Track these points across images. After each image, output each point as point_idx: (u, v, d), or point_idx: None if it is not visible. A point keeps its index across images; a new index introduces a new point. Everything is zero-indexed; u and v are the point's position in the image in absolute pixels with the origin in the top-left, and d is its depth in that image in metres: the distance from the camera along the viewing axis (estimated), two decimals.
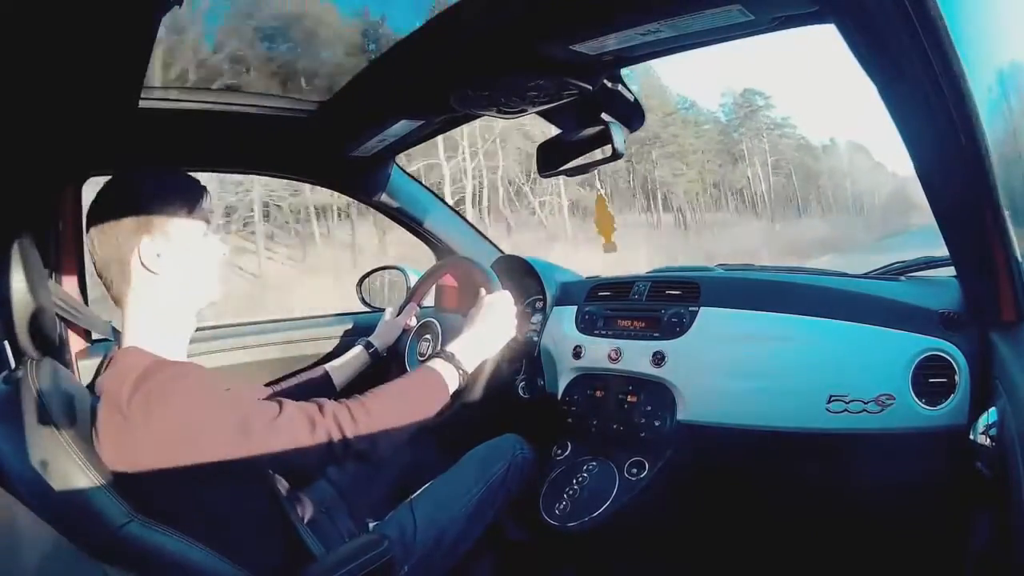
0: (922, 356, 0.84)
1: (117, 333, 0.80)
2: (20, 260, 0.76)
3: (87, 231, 0.74)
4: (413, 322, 1.32)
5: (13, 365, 0.78)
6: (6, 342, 0.79)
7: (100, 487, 0.62)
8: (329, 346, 1.48)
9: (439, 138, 1.20)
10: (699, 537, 1.11)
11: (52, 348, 0.81)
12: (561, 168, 1.08)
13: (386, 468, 1.12)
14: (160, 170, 0.78)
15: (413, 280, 1.46)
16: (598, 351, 1.17)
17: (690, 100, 39.65)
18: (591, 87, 0.88)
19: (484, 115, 1.02)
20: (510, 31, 0.76)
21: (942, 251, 0.82)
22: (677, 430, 1.04)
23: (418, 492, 0.98)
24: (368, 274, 1.59)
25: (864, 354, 0.89)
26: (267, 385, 1.12)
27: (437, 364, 0.88)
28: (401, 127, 1.14)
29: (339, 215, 17.93)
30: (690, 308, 1.08)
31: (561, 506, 1.07)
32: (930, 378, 0.83)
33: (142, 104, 0.88)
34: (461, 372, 0.89)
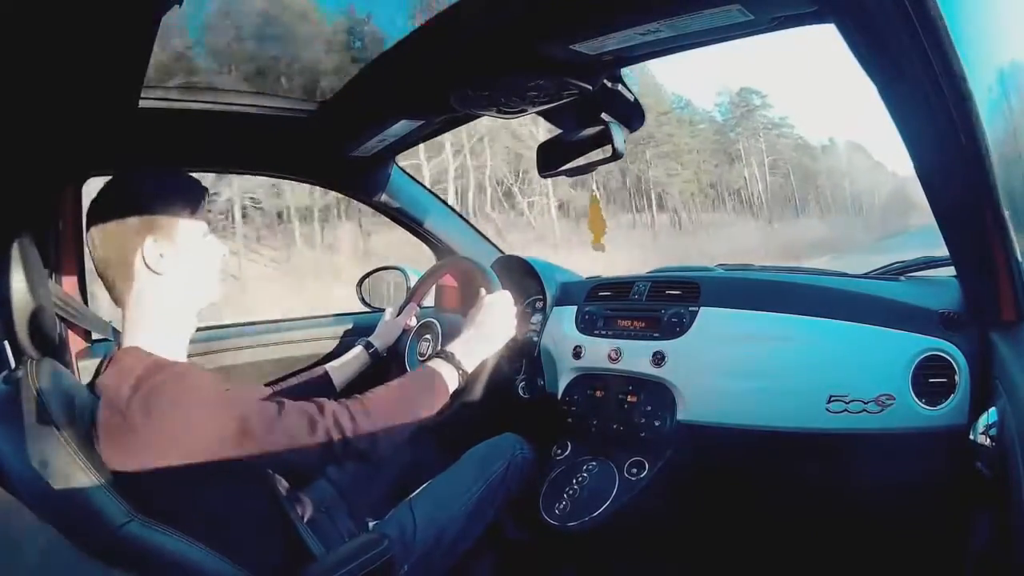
0: (922, 356, 0.84)
1: (117, 333, 0.80)
2: (20, 260, 0.76)
3: (87, 231, 0.74)
4: (413, 322, 1.32)
5: (13, 365, 0.78)
6: (6, 342, 0.79)
7: (100, 487, 0.62)
8: (329, 346, 1.48)
9: None
10: (699, 537, 1.11)
11: (52, 348, 0.81)
12: (561, 168, 1.08)
13: (386, 468, 1.12)
14: (161, 170, 0.78)
15: (413, 280, 1.46)
16: (598, 351, 1.17)
17: (685, 99, 39.33)
18: (591, 87, 0.88)
19: (484, 115, 1.02)
20: (510, 31, 0.76)
21: (942, 251, 0.82)
22: (677, 430, 1.04)
23: (417, 491, 0.98)
24: (368, 274, 1.59)
25: (864, 354, 0.89)
26: (267, 385, 1.12)
27: (437, 364, 0.88)
28: (401, 127, 1.14)
29: (320, 217, 17.59)
30: (690, 308, 1.08)
31: (561, 506, 1.07)
32: (930, 378, 0.83)
33: (142, 104, 0.88)
34: (461, 372, 0.89)
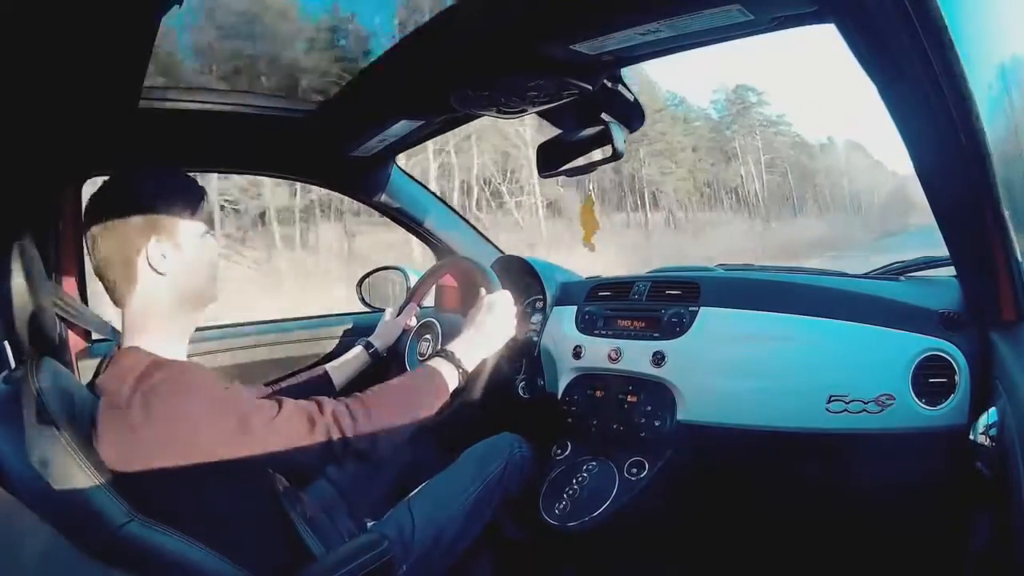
0: (922, 356, 0.84)
1: (117, 333, 0.80)
2: (20, 260, 0.76)
3: (87, 231, 0.74)
4: (413, 322, 1.32)
5: (13, 365, 0.78)
6: (6, 342, 0.79)
7: (100, 487, 0.62)
8: (329, 346, 1.48)
9: None
10: (699, 537, 1.11)
11: (52, 348, 0.81)
12: (561, 168, 1.08)
13: (386, 467, 1.12)
14: (162, 170, 0.78)
15: (413, 280, 1.46)
16: (598, 351, 1.17)
17: (680, 96, 38.90)
18: (591, 87, 0.88)
19: (484, 115, 1.02)
20: (510, 31, 0.76)
21: (942, 251, 0.82)
22: (677, 430, 1.04)
23: (415, 491, 0.98)
24: (368, 274, 1.59)
25: (864, 354, 0.89)
26: (267, 385, 1.12)
27: (437, 363, 0.88)
28: (401, 127, 1.14)
29: (301, 218, 17.19)
30: (690, 308, 1.08)
31: (561, 506, 1.07)
32: (930, 378, 0.83)
33: (142, 104, 0.88)
34: (461, 371, 0.89)
